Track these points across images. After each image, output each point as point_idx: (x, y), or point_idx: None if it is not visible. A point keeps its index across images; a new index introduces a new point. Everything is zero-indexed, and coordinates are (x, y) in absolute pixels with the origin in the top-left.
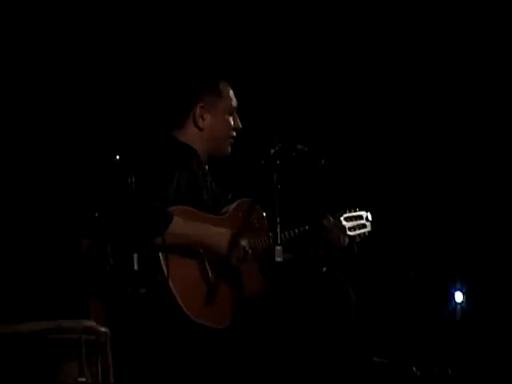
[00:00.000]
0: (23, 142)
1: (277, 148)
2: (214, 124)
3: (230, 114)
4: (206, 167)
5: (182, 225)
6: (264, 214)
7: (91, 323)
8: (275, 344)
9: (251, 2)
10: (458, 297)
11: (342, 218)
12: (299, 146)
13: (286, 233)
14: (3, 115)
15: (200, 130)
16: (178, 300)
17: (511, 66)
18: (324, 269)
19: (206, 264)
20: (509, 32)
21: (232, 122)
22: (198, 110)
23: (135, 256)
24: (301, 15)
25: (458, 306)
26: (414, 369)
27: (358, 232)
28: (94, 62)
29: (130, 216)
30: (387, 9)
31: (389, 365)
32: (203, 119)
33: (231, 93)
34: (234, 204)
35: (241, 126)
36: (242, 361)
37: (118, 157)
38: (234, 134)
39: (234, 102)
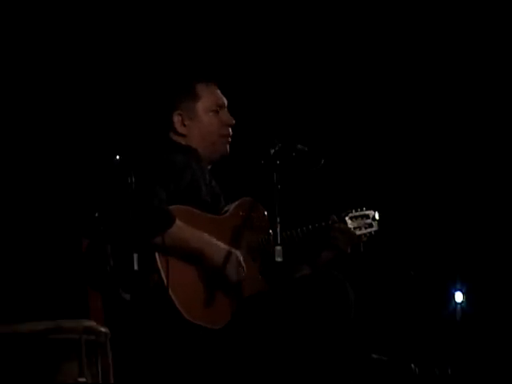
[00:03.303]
0: (24, 142)
1: (277, 148)
2: (197, 127)
3: (215, 113)
4: (209, 166)
5: (183, 229)
6: (266, 213)
7: (91, 323)
8: (274, 342)
9: (253, 2)
10: (458, 297)
11: (347, 218)
12: (299, 146)
13: (289, 232)
14: (3, 115)
15: (184, 136)
16: (176, 300)
17: (511, 65)
18: None
19: (204, 264)
20: (509, 32)
21: (219, 120)
22: (175, 119)
23: (135, 256)
24: (301, 15)
25: (458, 306)
26: (412, 366)
27: (364, 231)
28: (93, 62)
29: (130, 216)
30: (387, 9)
31: (387, 362)
32: (185, 126)
33: (212, 91)
34: (236, 203)
35: (233, 122)
36: (241, 360)
37: (118, 157)
38: (229, 131)
39: (219, 100)
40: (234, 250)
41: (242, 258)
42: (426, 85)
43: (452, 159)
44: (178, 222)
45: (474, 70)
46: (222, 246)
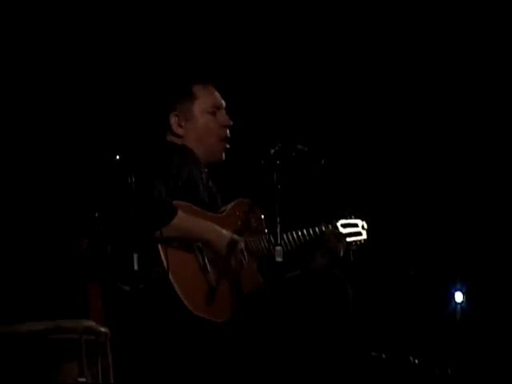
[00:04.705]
0: (24, 142)
1: (277, 148)
2: (193, 128)
3: (212, 114)
4: (206, 170)
5: (185, 219)
6: (262, 216)
7: (91, 323)
8: (274, 340)
9: (254, 3)
10: (458, 297)
11: (338, 224)
12: (299, 146)
13: (285, 235)
14: (3, 115)
15: (181, 137)
16: (179, 293)
17: (511, 65)
18: None
19: (206, 259)
20: (509, 32)
21: (216, 122)
22: (172, 120)
23: (135, 256)
24: (300, 15)
25: (458, 306)
26: (411, 358)
27: (353, 239)
28: (93, 61)
29: (130, 216)
30: (387, 9)
31: (387, 360)
32: (181, 127)
33: (210, 92)
34: (232, 203)
35: (231, 123)
36: (241, 355)
37: (118, 157)
38: (227, 132)
39: (216, 101)
40: (237, 238)
41: (244, 246)
42: (425, 87)
43: (452, 160)
44: (179, 212)
45: (473, 70)
46: (225, 232)
